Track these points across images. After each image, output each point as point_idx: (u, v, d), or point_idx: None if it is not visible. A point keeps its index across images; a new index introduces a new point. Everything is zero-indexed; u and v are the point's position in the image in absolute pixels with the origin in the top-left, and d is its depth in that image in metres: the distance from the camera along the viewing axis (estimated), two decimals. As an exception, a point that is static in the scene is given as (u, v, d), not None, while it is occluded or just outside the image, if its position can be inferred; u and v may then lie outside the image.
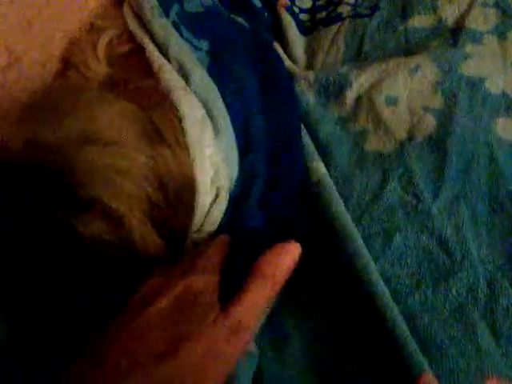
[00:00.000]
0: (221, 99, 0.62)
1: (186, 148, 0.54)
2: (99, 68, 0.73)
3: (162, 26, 0.70)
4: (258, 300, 0.41)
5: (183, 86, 0.62)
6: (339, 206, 0.54)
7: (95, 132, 0.47)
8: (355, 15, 0.83)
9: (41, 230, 0.47)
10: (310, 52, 0.84)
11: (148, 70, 0.68)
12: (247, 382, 0.42)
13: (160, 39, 0.69)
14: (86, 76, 0.72)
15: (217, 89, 0.63)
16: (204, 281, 0.42)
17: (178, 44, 0.68)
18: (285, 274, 0.43)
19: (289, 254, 0.43)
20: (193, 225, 0.53)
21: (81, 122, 0.47)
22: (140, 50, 0.72)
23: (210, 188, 0.54)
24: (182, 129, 0.55)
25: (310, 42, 0.85)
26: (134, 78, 0.68)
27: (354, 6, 0.85)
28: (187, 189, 0.52)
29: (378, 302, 0.45)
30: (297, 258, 0.44)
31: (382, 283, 0.47)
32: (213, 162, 0.55)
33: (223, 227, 0.54)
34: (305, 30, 0.88)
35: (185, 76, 0.63)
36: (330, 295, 0.50)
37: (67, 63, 0.77)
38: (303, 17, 0.91)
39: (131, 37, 0.75)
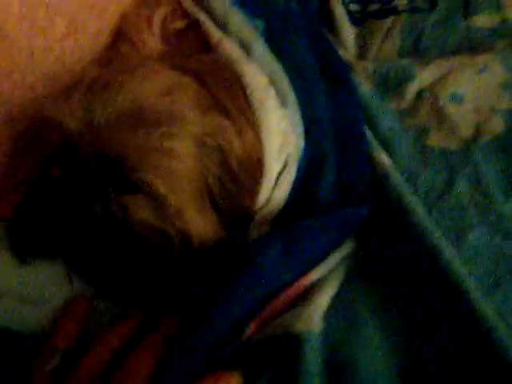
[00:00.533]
0: (283, 72, 0.61)
1: (250, 116, 0.52)
2: (154, 44, 0.71)
3: (221, 3, 0.69)
4: None
5: (245, 57, 0.61)
6: (412, 198, 0.53)
7: (147, 109, 0.45)
8: (412, 9, 0.82)
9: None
10: (362, 43, 0.83)
11: (204, 46, 0.67)
12: (316, 362, 0.41)
13: (219, 15, 0.68)
14: (141, 51, 0.71)
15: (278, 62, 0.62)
16: None
17: (237, 19, 0.67)
18: None
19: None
20: (260, 197, 0.51)
21: (132, 98, 0.45)
22: (195, 26, 0.71)
23: (278, 154, 0.52)
24: (246, 97, 0.54)
25: (362, 33, 0.84)
26: (191, 53, 0.67)
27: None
28: (253, 157, 0.50)
29: (466, 296, 0.44)
30: None
31: (469, 278, 0.46)
32: (280, 128, 0.53)
33: (292, 200, 0.52)
34: (355, 20, 0.87)
35: (246, 49, 0.62)
36: (405, 287, 0.49)
37: (119, 37, 0.75)
38: (353, 7, 0.89)
39: (184, 13, 0.74)
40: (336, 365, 0.40)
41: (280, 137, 0.53)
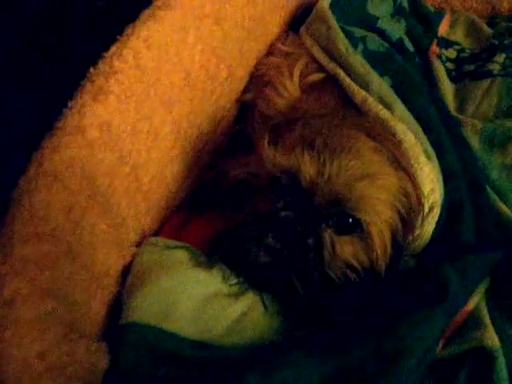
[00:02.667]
0: (420, 128, 0.72)
1: (411, 169, 0.63)
2: (294, 91, 0.83)
3: (361, 62, 0.79)
4: None
5: (390, 115, 0.71)
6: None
7: (364, 169, 0.56)
8: (506, 74, 0.93)
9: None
10: (459, 99, 0.94)
11: (343, 99, 0.78)
12: (505, 370, 0.51)
13: (360, 74, 0.77)
14: (282, 95, 0.83)
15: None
16: None
17: (378, 80, 0.77)
18: None
19: None
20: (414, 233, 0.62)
21: (359, 163, 0.56)
22: (329, 80, 0.83)
23: (427, 199, 0.63)
24: (405, 152, 0.65)
25: (460, 91, 0.95)
26: (332, 105, 0.78)
27: (503, 65, 0.95)
28: (414, 202, 0.61)
29: None
30: None
31: None
32: (429, 180, 0.64)
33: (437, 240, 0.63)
34: (451, 78, 0.98)
35: (388, 107, 0.72)
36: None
37: (262, 80, 0.87)
38: (448, 65, 1.01)
39: (319, 66, 0.85)
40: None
41: (430, 185, 0.64)
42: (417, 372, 0.50)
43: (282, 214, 0.54)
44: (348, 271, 0.57)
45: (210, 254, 0.60)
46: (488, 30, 1.07)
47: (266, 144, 0.59)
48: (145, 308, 0.53)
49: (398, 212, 0.59)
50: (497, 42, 1.02)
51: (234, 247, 0.57)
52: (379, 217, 0.57)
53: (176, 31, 0.63)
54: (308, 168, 0.54)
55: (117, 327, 0.53)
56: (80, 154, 0.50)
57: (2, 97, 0.79)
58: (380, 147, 0.61)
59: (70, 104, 0.51)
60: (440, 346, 0.54)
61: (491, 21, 1.13)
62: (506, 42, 1.02)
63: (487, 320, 0.55)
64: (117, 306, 0.57)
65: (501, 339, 0.53)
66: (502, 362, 0.50)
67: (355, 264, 0.58)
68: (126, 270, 0.59)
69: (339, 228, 0.57)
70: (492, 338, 0.52)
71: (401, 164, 0.63)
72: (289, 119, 0.69)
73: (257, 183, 0.60)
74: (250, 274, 0.58)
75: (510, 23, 1.09)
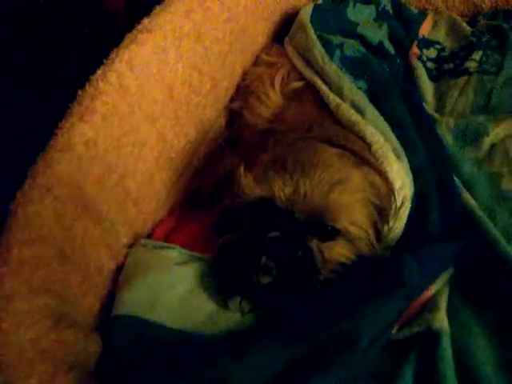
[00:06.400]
0: (390, 130, 0.77)
1: (381, 166, 0.69)
2: (276, 98, 0.89)
3: (335, 71, 0.85)
4: None
5: (361, 119, 0.76)
6: (495, 231, 0.68)
7: (334, 177, 0.62)
8: (482, 71, 0.97)
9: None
10: (438, 97, 0.98)
11: (321, 104, 0.84)
12: (450, 349, 0.55)
13: (334, 83, 0.83)
14: (265, 103, 0.89)
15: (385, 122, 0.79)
16: None
17: (350, 87, 0.83)
18: None
19: None
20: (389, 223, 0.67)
21: (328, 174, 0.62)
22: (309, 87, 0.88)
23: (397, 194, 0.68)
24: (374, 153, 0.71)
25: (438, 89, 1.00)
26: (311, 111, 0.84)
27: (480, 62, 1.00)
28: (387, 195, 0.67)
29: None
30: None
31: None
32: (399, 176, 0.70)
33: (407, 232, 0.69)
34: (432, 76, 1.03)
35: (359, 112, 0.78)
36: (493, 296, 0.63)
37: (246, 90, 0.93)
38: (429, 65, 1.06)
39: (299, 74, 0.91)
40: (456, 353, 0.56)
41: (400, 181, 0.69)
42: (371, 351, 0.55)
43: (269, 235, 0.60)
44: (339, 268, 0.63)
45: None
46: (468, 29, 1.12)
47: (241, 173, 0.65)
48: (132, 301, 0.60)
49: (373, 204, 0.65)
50: (475, 40, 1.07)
51: (235, 275, 0.62)
52: (357, 218, 0.63)
53: (157, 52, 0.70)
54: (282, 191, 0.60)
55: (109, 319, 0.60)
56: (69, 169, 0.57)
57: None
58: (343, 153, 0.67)
59: (60, 124, 0.58)
60: (396, 328, 0.59)
61: (472, 19, 1.18)
62: (483, 39, 1.06)
63: (443, 305, 0.60)
64: (112, 300, 0.64)
65: (453, 323, 0.58)
66: (446, 341, 0.55)
67: (345, 261, 0.64)
68: (119, 270, 0.66)
69: (323, 236, 0.63)
70: (440, 321, 0.57)
71: (370, 163, 0.69)
72: (261, 142, 0.76)
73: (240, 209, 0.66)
74: (255, 297, 0.62)
75: (490, 21, 1.14)
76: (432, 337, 0.56)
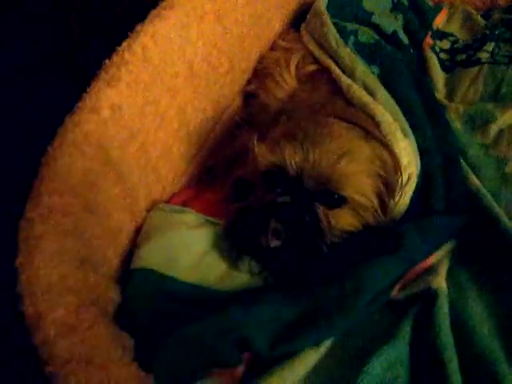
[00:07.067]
0: (399, 110, 0.80)
1: (389, 142, 0.72)
2: (291, 81, 0.93)
3: (348, 54, 0.88)
4: None
5: (371, 100, 0.80)
6: (499, 210, 0.71)
7: (341, 148, 0.66)
8: (494, 62, 1.00)
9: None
10: (450, 87, 1.01)
11: (334, 87, 0.88)
12: (447, 307, 0.59)
13: (347, 65, 0.87)
14: (281, 86, 0.93)
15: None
16: None
17: (362, 69, 0.86)
18: None
19: None
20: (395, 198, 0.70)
21: (337, 144, 0.66)
22: (323, 71, 0.92)
23: (404, 170, 0.71)
24: (382, 130, 0.74)
25: (450, 79, 1.03)
26: (325, 93, 0.88)
27: (492, 53, 1.02)
28: (393, 170, 0.70)
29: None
30: None
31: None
32: (406, 153, 0.73)
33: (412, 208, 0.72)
34: (444, 67, 1.06)
35: (370, 93, 0.81)
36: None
37: (263, 73, 0.97)
38: (442, 56, 1.08)
39: (314, 59, 0.94)
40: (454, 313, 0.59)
41: (406, 158, 0.73)
42: (373, 306, 0.59)
43: (279, 199, 0.64)
44: (345, 235, 0.67)
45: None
46: (482, 22, 1.14)
47: (255, 143, 0.69)
48: (150, 256, 0.64)
49: (379, 176, 0.69)
50: (488, 32, 1.09)
51: (246, 238, 0.65)
52: (363, 188, 0.67)
53: (179, 28, 0.74)
54: (292, 158, 0.64)
55: (128, 272, 0.64)
56: (96, 129, 0.61)
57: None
58: (352, 126, 0.70)
59: (88, 89, 0.63)
60: (396, 290, 0.62)
61: (487, 13, 1.21)
62: (497, 32, 1.09)
63: (443, 271, 0.63)
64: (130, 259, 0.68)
65: (452, 285, 0.61)
66: (443, 299, 0.59)
67: (350, 229, 0.67)
68: (138, 231, 0.71)
69: (330, 204, 0.66)
70: (439, 282, 0.61)
71: (378, 139, 0.72)
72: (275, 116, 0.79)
73: (253, 179, 0.70)
74: (264, 259, 0.66)
75: (505, 15, 1.16)
76: (430, 296, 0.60)
